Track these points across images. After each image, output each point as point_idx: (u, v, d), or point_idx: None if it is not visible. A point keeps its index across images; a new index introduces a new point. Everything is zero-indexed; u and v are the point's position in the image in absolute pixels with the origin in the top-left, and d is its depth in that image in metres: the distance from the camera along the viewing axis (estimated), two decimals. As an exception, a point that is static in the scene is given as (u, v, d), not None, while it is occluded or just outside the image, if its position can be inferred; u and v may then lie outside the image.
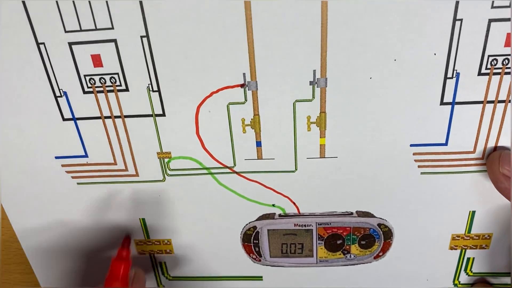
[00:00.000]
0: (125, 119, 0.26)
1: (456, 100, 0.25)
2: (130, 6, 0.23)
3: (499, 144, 0.26)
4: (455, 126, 0.25)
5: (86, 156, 0.28)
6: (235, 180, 0.28)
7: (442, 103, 0.25)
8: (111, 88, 0.25)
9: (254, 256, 0.32)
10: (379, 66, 0.24)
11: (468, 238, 0.30)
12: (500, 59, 0.23)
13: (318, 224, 0.30)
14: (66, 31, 0.24)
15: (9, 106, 0.26)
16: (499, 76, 0.24)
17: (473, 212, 0.29)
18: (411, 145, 0.26)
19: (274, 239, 0.31)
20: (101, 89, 0.25)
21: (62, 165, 0.28)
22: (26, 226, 0.31)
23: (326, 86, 0.25)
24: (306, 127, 0.26)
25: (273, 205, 0.29)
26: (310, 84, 0.25)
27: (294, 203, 0.29)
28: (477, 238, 0.30)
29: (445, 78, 0.24)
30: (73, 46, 0.24)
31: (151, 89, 0.25)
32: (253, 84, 0.25)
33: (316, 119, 0.26)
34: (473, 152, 0.26)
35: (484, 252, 0.30)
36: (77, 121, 0.27)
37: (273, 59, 0.24)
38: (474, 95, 0.24)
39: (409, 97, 0.25)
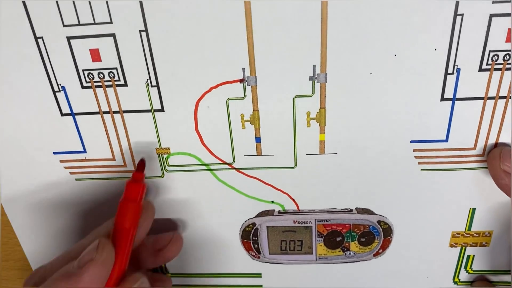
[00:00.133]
0: (124, 114, 0.26)
1: (457, 96, 0.24)
2: (128, 1, 0.23)
3: (500, 141, 0.26)
4: (455, 123, 0.25)
5: (84, 151, 0.28)
6: (234, 176, 0.28)
7: (442, 99, 0.25)
8: (110, 83, 0.25)
9: (253, 253, 0.31)
10: (379, 62, 0.24)
11: (468, 235, 0.30)
12: (501, 54, 0.23)
13: (318, 221, 0.30)
14: (64, 25, 0.24)
15: (7, 101, 0.26)
16: (500, 72, 0.24)
17: (474, 209, 0.28)
18: (411, 142, 0.26)
19: (273, 236, 0.31)
20: (100, 84, 0.25)
21: (61, 161, 0.28)
22: (24, 222, 0.31)
23: (326, 82, 0.24)
24: (305, 123, 0.26)
25: (272, 201, 0.29)
26: (310, 80, 0.24)
27: (293, 200, 0.29)
28: (477, 235, 0.30)
29: (446, 73, 0.24)
30: (71, 41, 0.24)
31: (150, 84, 0.25)
32: (253, 79, 0.25)
33: (316, 115, 0.26)
34: (474, 148, 0.26)
35: (484, 250, 0.30)
36: (76, 116, 0.27)
37: (272, 54, 0.24)
38: (475, 91, 0.24)
39: (410, 93, 0.24)
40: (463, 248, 0.30)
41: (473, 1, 0.22)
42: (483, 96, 0.24)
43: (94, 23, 0.23)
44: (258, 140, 0.27)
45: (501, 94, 0.24)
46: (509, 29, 0.22)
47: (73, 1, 0.23)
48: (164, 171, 0.28)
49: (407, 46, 0.23)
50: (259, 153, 0.27)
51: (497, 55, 0.23)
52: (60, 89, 0.26)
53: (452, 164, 0.27)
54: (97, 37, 0.24)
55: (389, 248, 0.31)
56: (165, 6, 0.23)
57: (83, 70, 0.25)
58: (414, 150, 0.26)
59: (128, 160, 0.28)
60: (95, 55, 0.24)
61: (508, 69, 0.23)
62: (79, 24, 0.23)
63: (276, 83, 0.25)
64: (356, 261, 0.31)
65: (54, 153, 0.28)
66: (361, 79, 0.24)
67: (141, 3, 0.23)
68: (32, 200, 0.30)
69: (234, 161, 0.28)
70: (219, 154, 0.27)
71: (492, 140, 0.26)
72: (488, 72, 0.24)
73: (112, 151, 0.28)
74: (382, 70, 0.24)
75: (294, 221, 0.30)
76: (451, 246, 0.30)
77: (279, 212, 0.30)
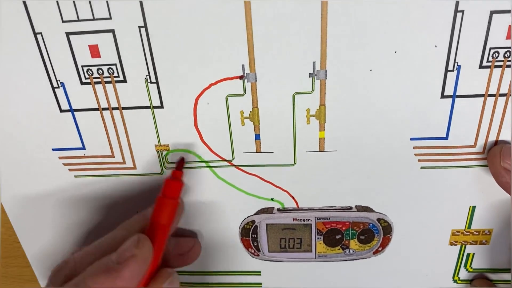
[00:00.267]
0: (123, 111, 0.26)
1: (457, 93, 0.24)
2: (128, -4, 0.23)
3: (500, 138, 0.26)
4: (455, 120, 0.25)
5: (83, 148, 0.28)
6: (234, 174, 0.28)
7: (442, 96, 0.24)
8: (109, 79, 0.25)
9: (252, 251, 0.31)
10: (379, 58, 0.23)
11: (468, 233, 0.29)
12: (501, 51, 0.23)
13: (317, 219, 0.30)
14: (63, 21, 0.23)
15: (6, 97, 0.26)
16: (500, 69, 0.23)
17: (474, 207, 0.28)
18: (411, 139, 0.26)
19: (273, 233, 0.30)
20: (99, 80, 0.25)
21: (60, 158, 0.28)
22: (23, 219, 0.31)
23: (326, 79, 0.24)
24: (305, 120, 0.26)
25: (272, 199, 0.29)
26: (309, 76, 0.24)
27: (293, 197, 0.29)
28: (477, 233, 0.29)
29: (446, 71, 0.24)
30: (70, 36, 0.24)
31: (149, 81, 0.25)
32: (252, 76, 0.24)
33: (316, 112, 0.25)
34: (474, 146, 0.26)
35: (484, 248, 0.30)
36: (75, 113, 0.26)
37: (272, 50, 0.24)
38: (475, 88, 0.24)
39: (410, 90, 0.24)
40: (463, 246, 0.30)
41: (474, -3, 0.22)
42: (484, 93, 0.24)
43: (94, 19, 0.23)
44: (257, 137, 0.27)
45: (501, 92, 0.24)
46: (509, 26, 0.22)
47: (72, -3, 0.23)
48: (164, 168, 0.28)
49: (407, 43, 0.23)
50: (258, 150, 0.27)
51: (498, 52, 0.23)
52: (59, 85, 0.26)
53: (452, 162, 0.27)
54: (97, 33, 0.24)
55: (389, 246, 0.31)
56: (165, 2, 0.23)
57: (82, 66, 0.25)
58: (414, 148, 0.26)
59: (127, 157, 0.28)
60: (94, 51, 0.24)
61: (509, 66, 0.23)
62: (79, 20, 0.23)
63: (276, 80, 0.25)
64: (356, 259, 0.31)
65: (53, 149, 0.28)
66: (361, 76, 0.24)
67: (140, -1, 0.23)
68: (31, 196, 0.30)
69: (233, 158, 0.28)
70: (219, 151, 0.27)
71: (492, 138, 0.26)
72: (489, 69, 0.24)
73: (111, 147, 0.28)
74: (382, 67, 0.24)
75: (293, 219, 0.30)
76: (451, 244, 0.30)
77: (278, 209, 0.29)
